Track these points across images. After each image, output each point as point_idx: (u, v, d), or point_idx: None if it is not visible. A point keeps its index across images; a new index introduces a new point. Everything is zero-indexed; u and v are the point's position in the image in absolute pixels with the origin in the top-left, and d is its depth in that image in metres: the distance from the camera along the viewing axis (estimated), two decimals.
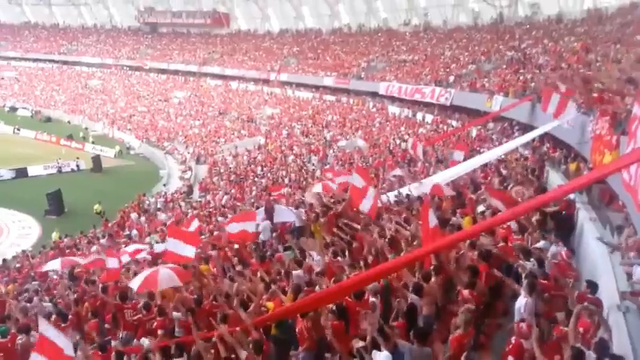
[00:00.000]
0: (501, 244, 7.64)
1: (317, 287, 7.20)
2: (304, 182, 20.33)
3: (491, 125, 22.83)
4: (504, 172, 13.05)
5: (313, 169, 22.88)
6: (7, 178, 30.87)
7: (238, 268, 9.15)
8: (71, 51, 69.77)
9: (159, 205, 22.91)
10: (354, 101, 37.05)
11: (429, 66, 34.39)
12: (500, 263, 7.12)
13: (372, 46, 44.45)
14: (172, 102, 50.30)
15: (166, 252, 9.65)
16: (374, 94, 36.26)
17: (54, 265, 12.15)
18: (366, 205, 10.50)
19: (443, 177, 13.04)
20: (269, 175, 23.87)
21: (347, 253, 8.68)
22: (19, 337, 7.98)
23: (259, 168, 25.60)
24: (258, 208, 14.77)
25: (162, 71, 59.17)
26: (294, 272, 8.35)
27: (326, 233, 10.84)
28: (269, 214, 12.90)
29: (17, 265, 15.99)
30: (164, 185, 29.02)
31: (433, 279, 6.61)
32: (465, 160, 14.72)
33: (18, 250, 19.36)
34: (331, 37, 51.00)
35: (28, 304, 10.08)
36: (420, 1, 47.11)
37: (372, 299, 6.64)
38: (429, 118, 29.13)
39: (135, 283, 8.21)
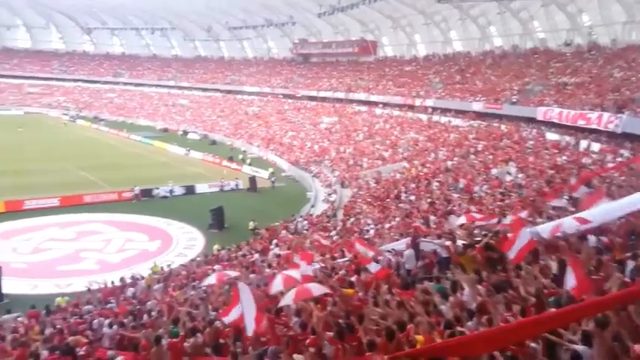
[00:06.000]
0: None
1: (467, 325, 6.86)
2: (449, 210, 19.66)
3: None
4: None
5: (458, 196, 22.05)
6: (179, 194, 34.76)
7: (387, 296, 9.11)
8: (234, 81, 77.39)
9: (305, 226, 24.02)
10: (507, 127, 35.06)
11: (595, 89, 31.27)
12: None
13: (527, 68, 41.87)
14: (320, 127, 52.69)
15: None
16: (529, 120, 33.97)
17: (210, 280, 12.89)
18: (513, 251, 9.80)
19: (612, 208, 11.45)
20: (413, 201, 23.57)
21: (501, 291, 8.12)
22: (187, 340, 8.92)
23: (403, 194, 25.43)
24: (402, 235, 14.75)
25: (312, 98, 62.54)
26: (442, 306, 8.09)
27: (475, 267, 10.32)
28: (414, 242, 12.70)
29: (184, 273, 17.95)
30: (312, 207, 30.36)
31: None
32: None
33: (186, 259, 21.79)
34: (481, 60, 49.25)
35: (195, 311, 11.22)
36: (584, 20, 43.40)
37: (532, 345, 6.14)
38: (595, 146, 26.33)
39: (288, 298, 8.62)
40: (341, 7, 55.81)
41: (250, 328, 7.76)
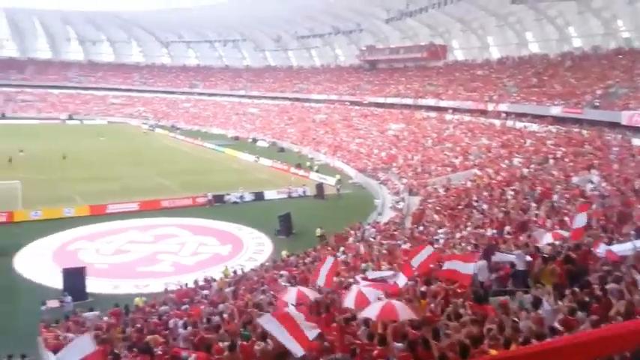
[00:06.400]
0: None
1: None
2: (525, 221, 18.73)
3: None
4: None
5: (536, 206, 20.95)
6: (249, 200, 35.65)
7: (460, 309, 8.78)
8: (302, 89, 78.56)
9: (372, 234, 23.76)
10: (588, 133, 33.00)
11: None
12: None
13: (610, 70, 39.28)
14: (388, 134, 52.22)
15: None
16: (613, 125, 31.78)
17: (290, 297, 11.38)
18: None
19: None
20: (485, 210, 22.70)
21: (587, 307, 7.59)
22: (257, 343, 9.04)
23: (475, 203, 24.55)
24: (477, 246, 14.22)
25: (379, 105, 62.12)
26: (520, 322, 7.68)
27: (555, 281, 9.75)
28: (487, 253, 12.20)
29: (254, 277, 18.32)
30: (379, 214, 30.08)
31: None
32: None
33: (255, 263, 22.28)
34: (560, 62, 46.82)
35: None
36: None
37: None
38: None
39: (372, 312, 8.38)
40: (409, 11, 55.13)
41: (297, 351, 7.34)
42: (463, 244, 16.81)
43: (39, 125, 78.04)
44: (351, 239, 22.63)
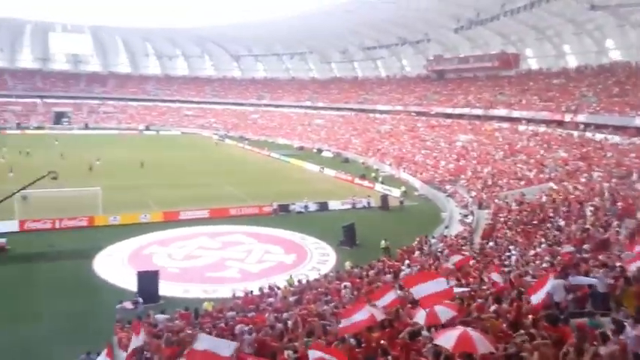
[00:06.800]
0: None
1: None
2: (606, 239, 17.47)
3: None
4: None
5: (618, 224, 19.52)
6: (313, 210, 35.94)
7: (533, 330, 8.31)
8: (367, 100, 78.51)
9: (439, 248, 23.08)
10: None
11: None
12: None
13: None
14: (456, 145, 50.91)
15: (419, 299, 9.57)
16: None
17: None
18: None
19: None
20: (562, 227, 21.44)
21: None
22: None
23: (551, 219, 23.27)
24: (552, 264, 13.45)
25: (447, 116, 60.76)
26: (602, 348, 7.14)
27: (638, 304, 9.00)
28: (565, 271, 11.50)
29: (319, 287, 18.31)
30: (446, 228, 29.29)
31: None
32: None
33: (320, 273, 22.32)
34: None
35: (329, 326, 11.36)
36: None
37: None
38: None
39: (447, 342, 8.03)
40: (480, 20, 53.70)
41: None
42: (537, 262, 15.96)
43: (118, 135, 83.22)
44: (417, 252, 22.12)
